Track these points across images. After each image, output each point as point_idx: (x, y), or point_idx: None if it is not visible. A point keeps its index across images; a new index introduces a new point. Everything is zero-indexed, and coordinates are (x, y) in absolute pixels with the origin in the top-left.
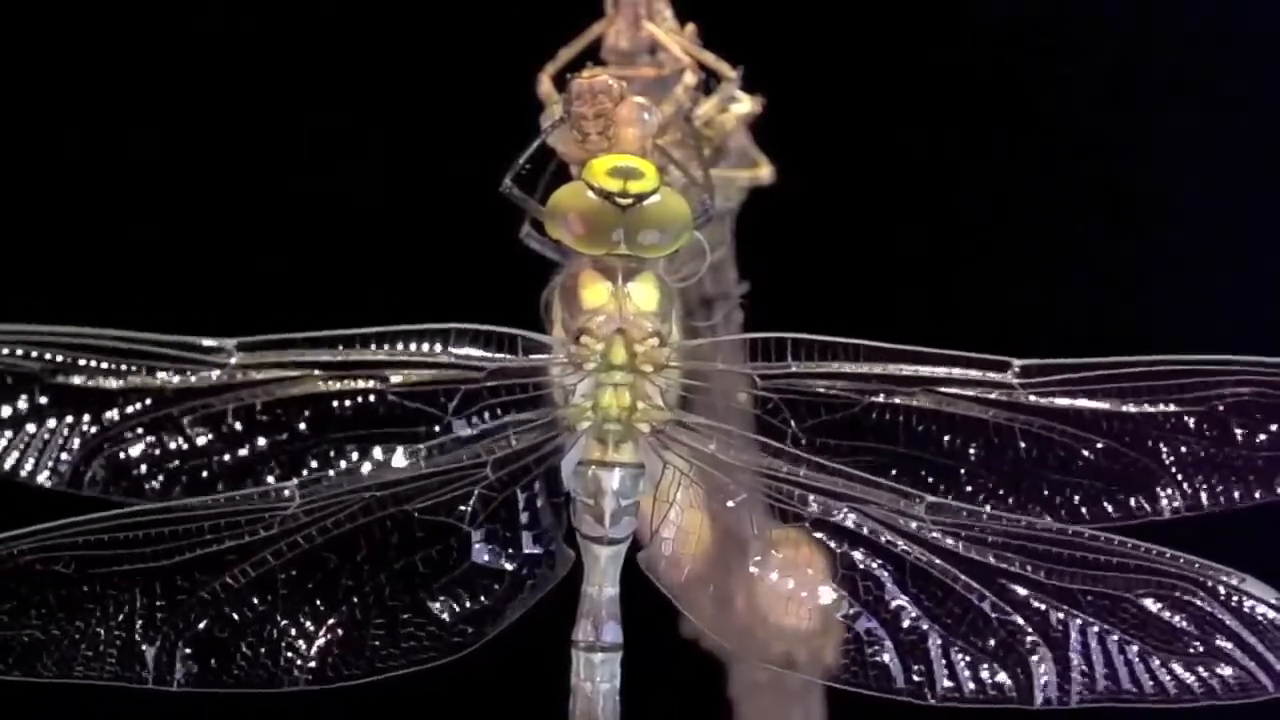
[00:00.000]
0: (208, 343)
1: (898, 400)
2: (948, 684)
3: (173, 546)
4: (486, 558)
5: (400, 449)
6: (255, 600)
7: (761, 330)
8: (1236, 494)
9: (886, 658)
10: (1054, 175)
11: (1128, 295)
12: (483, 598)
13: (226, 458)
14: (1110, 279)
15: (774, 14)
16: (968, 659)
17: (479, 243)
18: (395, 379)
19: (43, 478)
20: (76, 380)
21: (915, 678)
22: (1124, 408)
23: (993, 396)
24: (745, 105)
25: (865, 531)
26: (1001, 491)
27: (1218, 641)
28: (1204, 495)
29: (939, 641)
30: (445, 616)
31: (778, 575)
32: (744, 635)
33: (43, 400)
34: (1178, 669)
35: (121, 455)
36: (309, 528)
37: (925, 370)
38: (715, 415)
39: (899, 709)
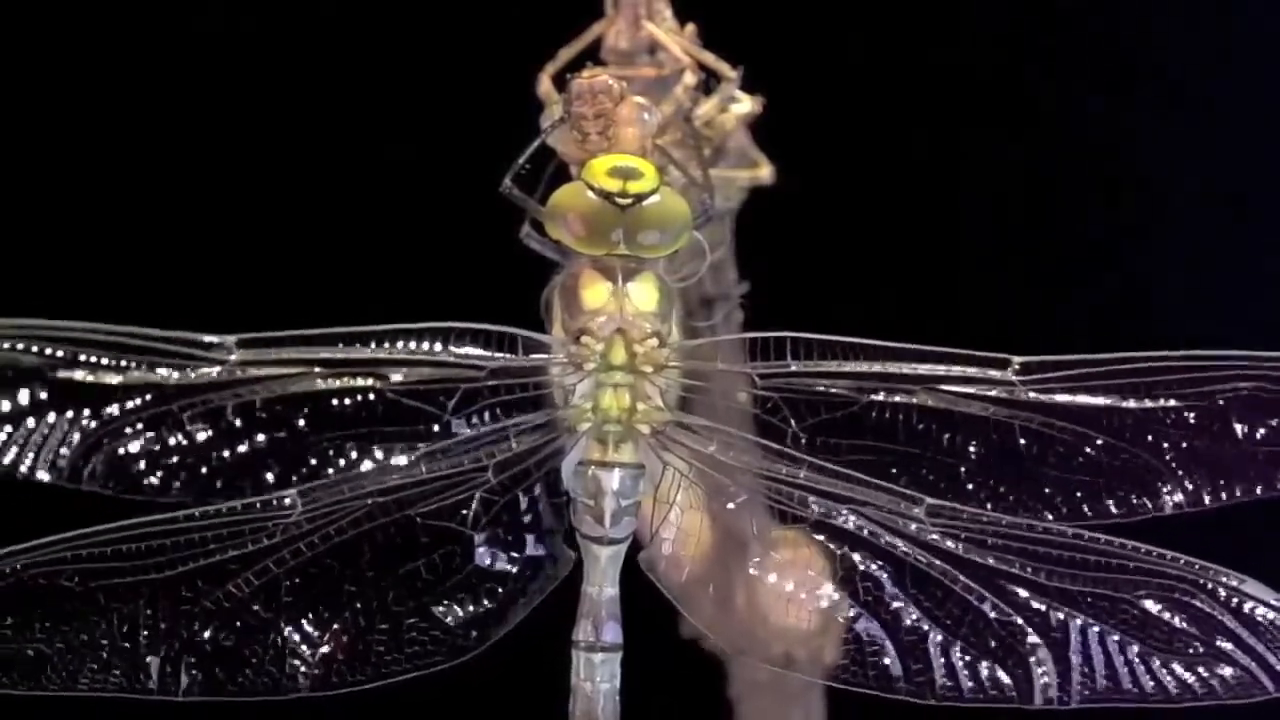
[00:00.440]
0: (208, 339)
1: (898, 398)
2: (948, 684)
3: (175, 557)
4: (489, 561)
5: (400, 448)
6: (259, 608)
7: (761, 330)
8: (1237, 490)
9: (886, 659)
10: (1054, 175)
11: (1128, 295)
12: (486, 601)
13: (226, 454)
14: (1110, 279)
15: (774, 14)
16: (968, 659)
17: (479, 243)
18: (395, 377)
19: (42, 473)
20: (77, 375)
21: (915, 678)
22: (1124, 404)
23: (993, 394)
24: (745, 105)
25: (865, 533)
26: (1002, 489)
27: (1218, 642)
28: (1204, 491)
29: (939, 642)
30: (449, 620)
31: (778, 576)
32: (744, 636)
33: (43, 395)
34: (1178, 669)
35: (121, 451)
36: (311, 535)
37: (925, 368)
38: (715, 415)
39: (899, 709)
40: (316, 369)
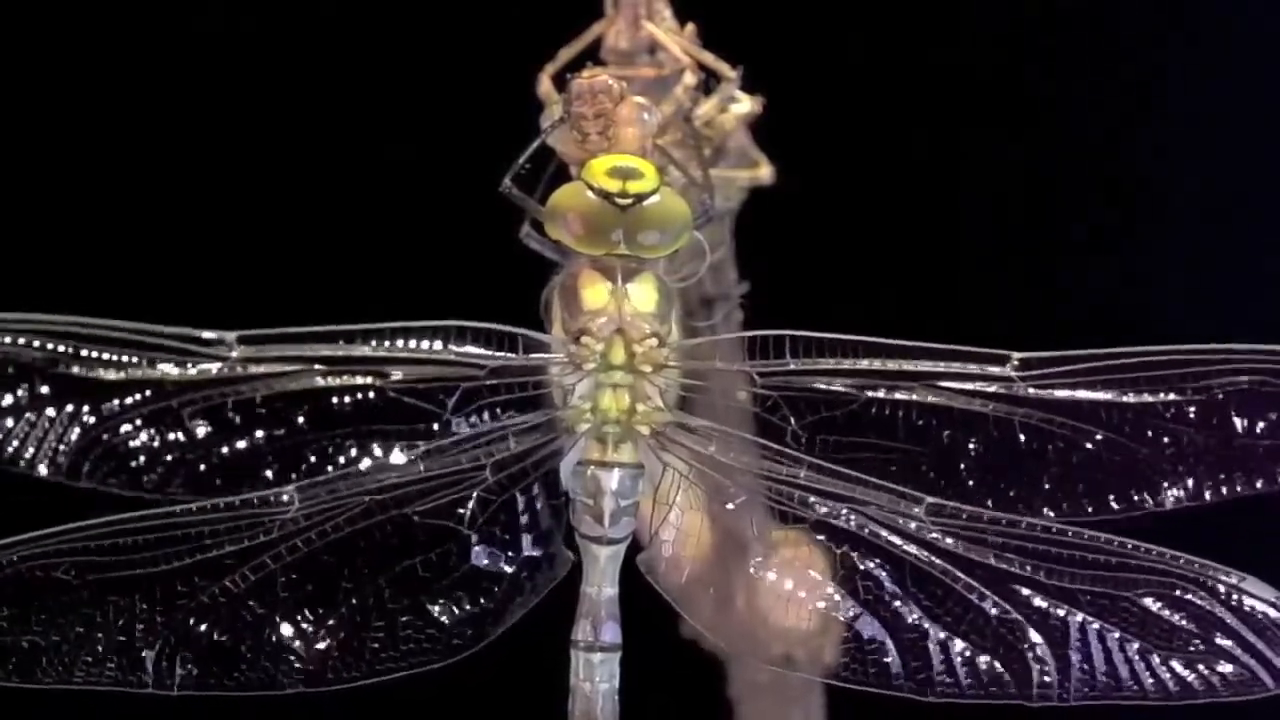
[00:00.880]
0: (208, 335)
1: (897, 396)
2: (948, 681)
3: (172, 551)
4: (486, 560)
5: (399, 446)
6: (255, 604)
7: (761, 330)
8: (1237, 484)
9: (887, 657)
10: (1054, 175)
11: (1128, 294)
12: (482, 600)
13: (225, 451)
14: (1110, 278)
15: (774, 14)
16: (968, 657)
17: (479, 243)
18: (395, 375)
19: (41, 468)
20: (76, 370)
21: (916, 675)
22: (1123, 399)
23: (992, 390)
24: (745, 105)
25: (865, 532)
26: (1002, 485)
27: (1218, 640)
28: (1205, 486)
29: (939, 640)
30: (445, 619)
31: (777, 576)
32: (744, 636)
33: (43, 390)
34: (1178, 667)
35: (120, 447)
36: (308, 532)
37: (924, 365)
38: (715, 415)
39: (899, 709)
40: (316, 366)
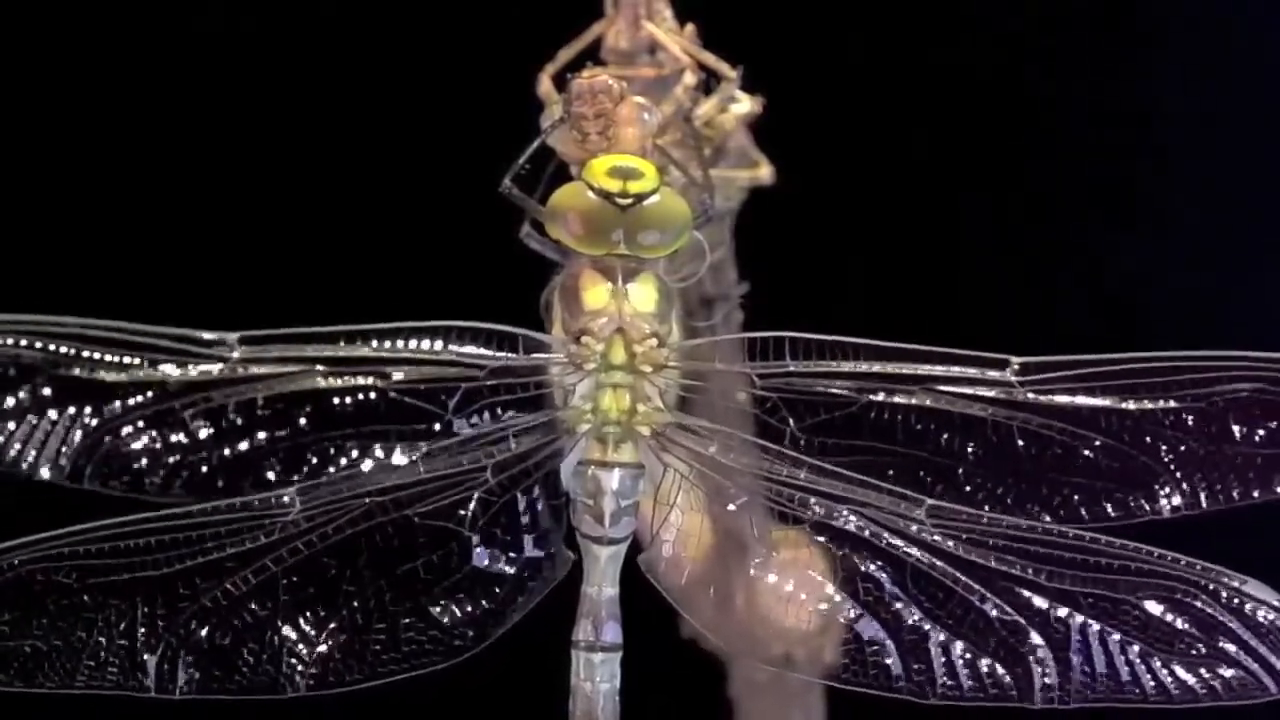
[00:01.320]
0: (209, 336)
1: (897, 399)
2: (948, 683)
3: (173, 554)
4: (487, 561)
5: (400, 447)
6: (256, 606)
7: (761, 330)
8: (1236, 492)
9: (887, 658)
10: (1054, 175)
11: (1128, 295)
12: (484, 601)
13: (227, 452)
14: (1110, 279)
15: (774, 14)
16: (968, 659)
17: (479, 243)
18: (396, 376)
19: (43, 470)
20: (78, 372)
21: (916, 677)
22: (1123, 405)
23: (992, 394)
24: (745, 105)
25: (866, 534)
26: (1000, 490)
27: (1219, 643)
28: (1203, 493)
29: (940, 642)
30: (446, 620)
31: (778, 577)
32: (744, 637)
33: (44, 392)
34: (1179, 670)
35: (122, 448)
36: (309, 534)
37: (924, 369)
38: (715, 415)
39: (899, 710)
40: (317, 367)
